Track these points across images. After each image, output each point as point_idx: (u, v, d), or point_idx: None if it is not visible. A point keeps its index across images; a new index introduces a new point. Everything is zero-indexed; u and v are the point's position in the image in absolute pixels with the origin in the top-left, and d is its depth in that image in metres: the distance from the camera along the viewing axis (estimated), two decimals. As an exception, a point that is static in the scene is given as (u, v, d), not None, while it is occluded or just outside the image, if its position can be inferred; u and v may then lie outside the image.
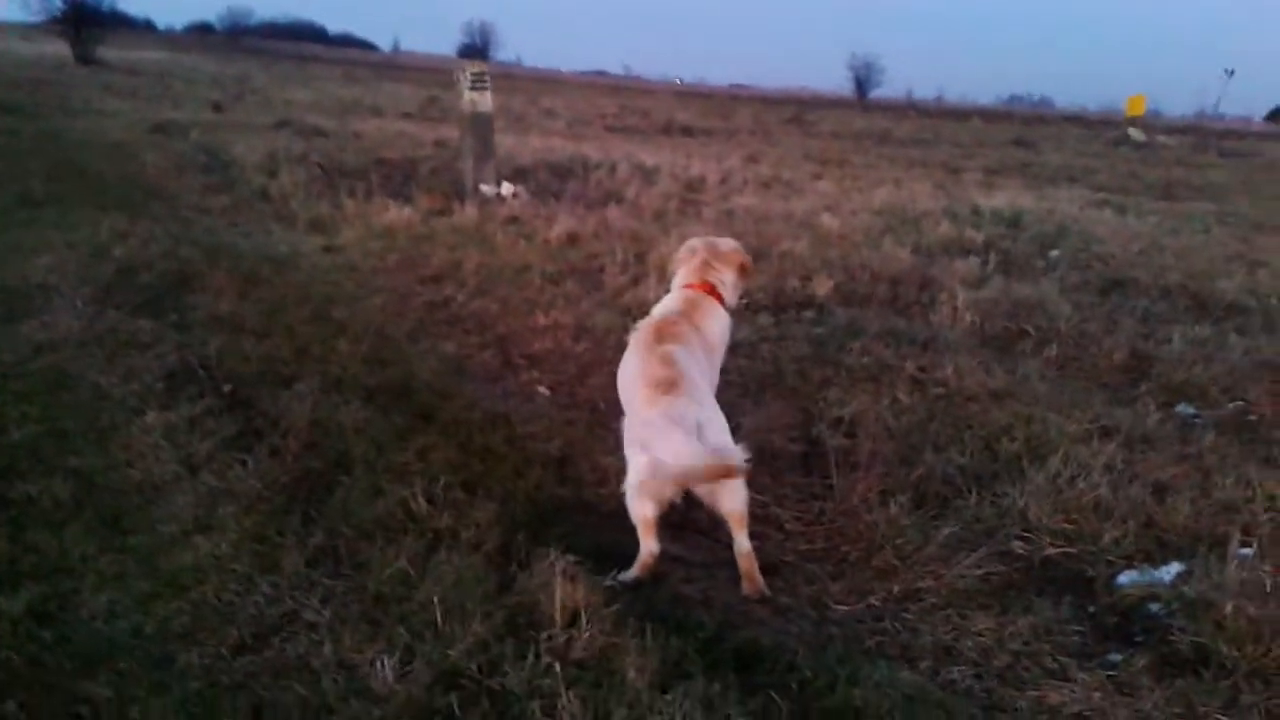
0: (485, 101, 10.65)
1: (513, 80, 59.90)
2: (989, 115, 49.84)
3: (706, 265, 4.04)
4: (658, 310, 3.95)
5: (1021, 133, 29.56)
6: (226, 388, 4.72)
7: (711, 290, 3.99)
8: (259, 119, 17.04)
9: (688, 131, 24.64)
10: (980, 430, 4.38)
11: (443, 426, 4.49)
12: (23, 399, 4.46)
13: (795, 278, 6.88)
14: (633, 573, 3.32)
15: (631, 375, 3.55)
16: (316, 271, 7.19)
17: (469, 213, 9.17)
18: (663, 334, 3.62)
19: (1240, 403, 4.94)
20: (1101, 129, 34.35)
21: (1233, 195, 15.27)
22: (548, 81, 66.78)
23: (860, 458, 4.05)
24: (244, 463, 3.95)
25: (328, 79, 39.59)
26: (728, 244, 4.19)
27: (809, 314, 6.16)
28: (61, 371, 4.79)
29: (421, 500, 3.61)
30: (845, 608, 3.27)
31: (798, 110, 38.04)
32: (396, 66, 67.62)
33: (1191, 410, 4.85)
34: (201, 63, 43.56)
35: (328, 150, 13.30)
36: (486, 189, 10.61)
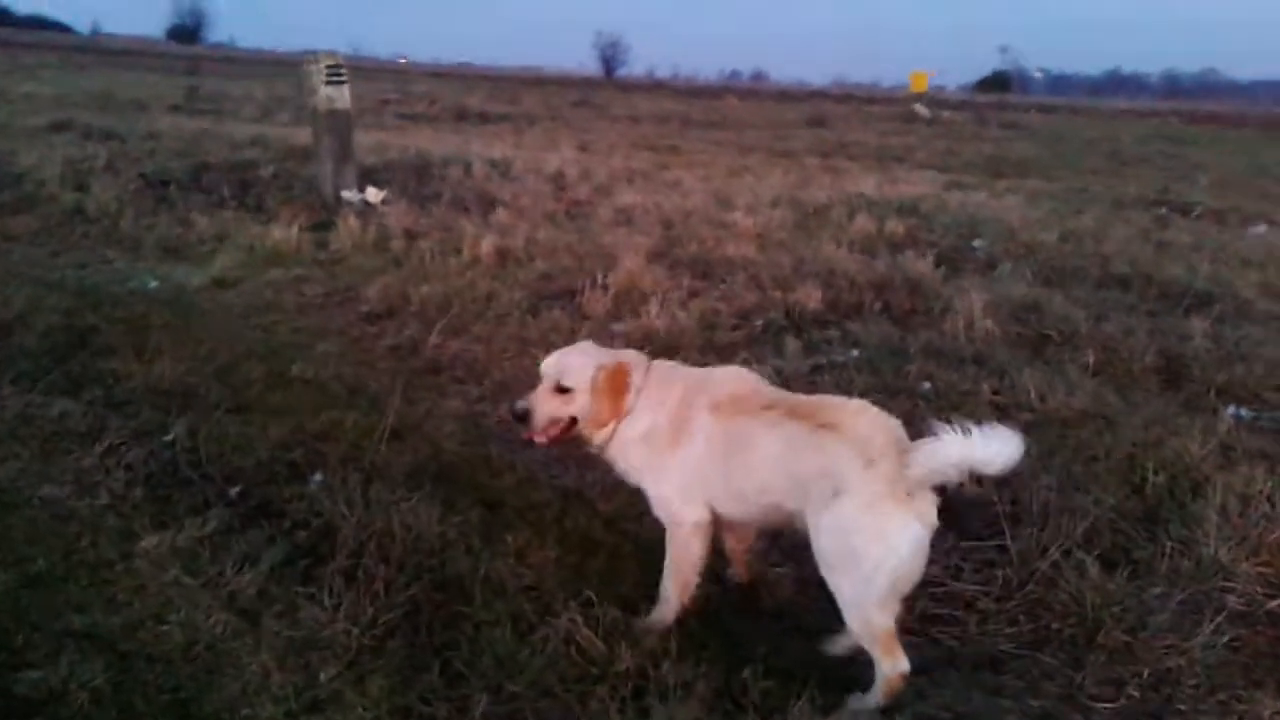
0: (343, 97, 9.47)
1: (245, 65, 55.88)
2: (744, 94, 51.48)
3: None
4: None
5: (808, 112, 30.45)
6: (233, 490, 3.71)
7: None
8: (21, 121, 14.57)
9: (484, 118, 23.58)
10: (1103, 460, 4.09)
11: (519, 514, 3.73)
12: (-43, 538, 3.29)
13: (772, 289, 6.43)
14: (876, 698, 2.76)
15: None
16: (228, 316, 6.01)
17: (351, 226, 8.06)
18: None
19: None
20: (884, 105, 36.11)
21: (1052, 170, 16.22)
22: (284, 64, 62.56)
23: (1004, 506, 3.67)
24: (312, 596, 3.05)
25: (48, 68, 35.13)
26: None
27: (831, 333, 5.73)
28: (-12, 488, 3.61)
29: (584, 629, 2.90)
30: (1107, 705, 2.85)
31: (583, 93, 37.51)
32: (120, 51, 61.32)
33: (1248, 412, 4.78)
34: None
35: (130, 155, 11.51)
36: (350, 196, 9.46)
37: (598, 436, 3.12)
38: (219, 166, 10.85)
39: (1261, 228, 10.19)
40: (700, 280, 6.77)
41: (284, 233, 7.61)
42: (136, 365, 4.68)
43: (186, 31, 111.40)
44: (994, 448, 2.49)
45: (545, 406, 3.09)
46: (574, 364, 3.11)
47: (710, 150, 17.59)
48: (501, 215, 9.13)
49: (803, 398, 3.06)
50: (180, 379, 4.57)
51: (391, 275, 6.69)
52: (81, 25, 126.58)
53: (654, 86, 62.06)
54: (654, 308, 5.92)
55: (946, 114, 29.04)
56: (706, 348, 5.51)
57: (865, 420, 2.78)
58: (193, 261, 7.49)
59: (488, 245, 7.25)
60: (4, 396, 4.30)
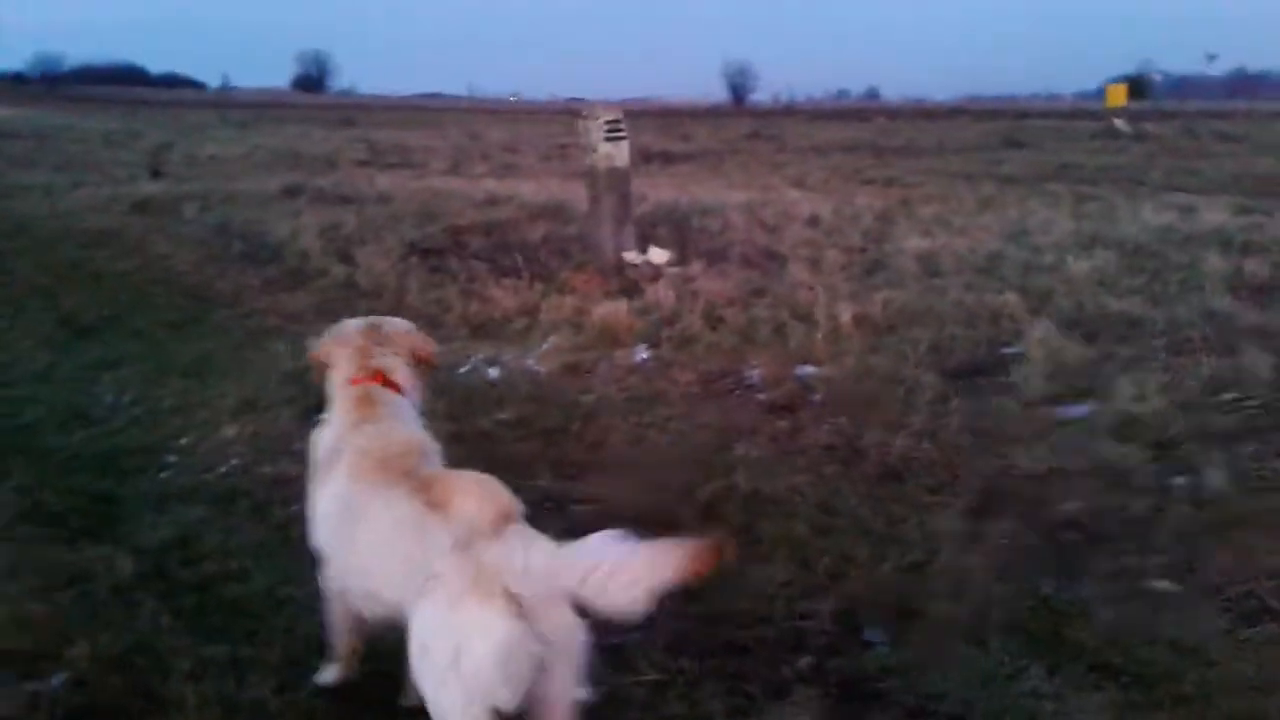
0: (622, 154, 8.89)
1: (392, 112, 57.32)
2: (892, 114, 50.02)
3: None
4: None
5: (999, 130, 28.98)
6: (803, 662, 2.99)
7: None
8: (247, 186, 14.66)
9: (668, 158, 23.06)
10: None
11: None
12: None
13: (1220, 354, 5.48)
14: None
15: None
16: (615, 413, 5.33)
17: (663, 294, 7.44)
18: None
19: None
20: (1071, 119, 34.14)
21: None
22: (424, 110, 64.16)
23: None
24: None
25: (215, 126, 36.60)
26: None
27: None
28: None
29: None
30: None
31: (753, 125, 36.83)
32: (271, 105, 64.08)
33: None
34: (50, 116, 39.87)
35: (374, 220, 11.23)
36: (632, 258, 8.86)
37: None
38: (470, 230, 10.45)
39: None
40: (1121, 344, 5.87)
41: (611, 306, 6.99)
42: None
43: (312, 81, 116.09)
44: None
45: None
46: None
47: (929, 179, 16.57)
48: (796, 270, 8.41)
49: None
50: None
51: (758, 353, 5.99)
52: (211, 79, 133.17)
53: (789, 111, 61.22)
54: (1110, 384, 5.05)
55: (1150, 127, 27.20)
56: (1202, 435, 4.58)
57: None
58: (508, 340, 6.93)
59: (846, 312, 6.48)
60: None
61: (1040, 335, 5.76)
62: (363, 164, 21.30)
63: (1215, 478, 4.07)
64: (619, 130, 8.90)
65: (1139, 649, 3.07)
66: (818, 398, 5.36)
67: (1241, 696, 2.83)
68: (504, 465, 3.13)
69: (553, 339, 6.66)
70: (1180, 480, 4.17)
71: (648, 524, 2.24)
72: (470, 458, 2.92)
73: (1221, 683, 2.89)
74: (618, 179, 8.93)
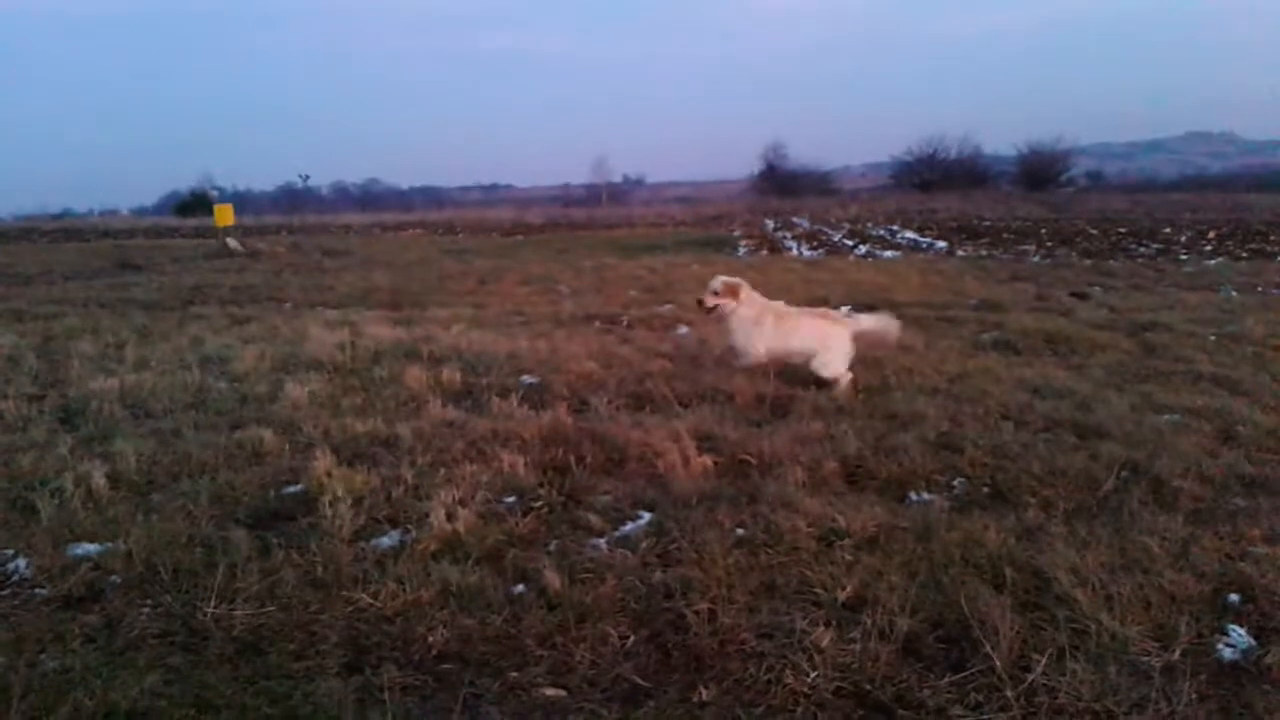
0: None
1: None
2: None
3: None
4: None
5: (113, 253, 26.67)
6: None
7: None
8: None
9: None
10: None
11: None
12: None
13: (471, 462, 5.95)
14: None
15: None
16: None
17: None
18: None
19: None
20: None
21: (422, 294, 16.54)
22: None
23: None
24: None
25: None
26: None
27: None
28: None
29: None
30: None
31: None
32: None
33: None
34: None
35: None
36: None
37: None
38: None
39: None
40: (392, 467, 5.92)
41: None
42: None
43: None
44: None
45: None
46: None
47: (64, 310, 14.70)
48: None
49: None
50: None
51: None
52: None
53: None
54: (414, 508, 5.10)
55: (263, 245, 28.18)
56: (515, 539, 4.91)
57: None
58: None
59: (96, 474, 5.31)
60: None
61: (323, 469, 5.53)
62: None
63: (552, 579, 4.36)
64: None
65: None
66: (117, 579, 4.34)
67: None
68: None
69: None
70: (522, 588, 4.39)
71: None
72: None
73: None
74: None
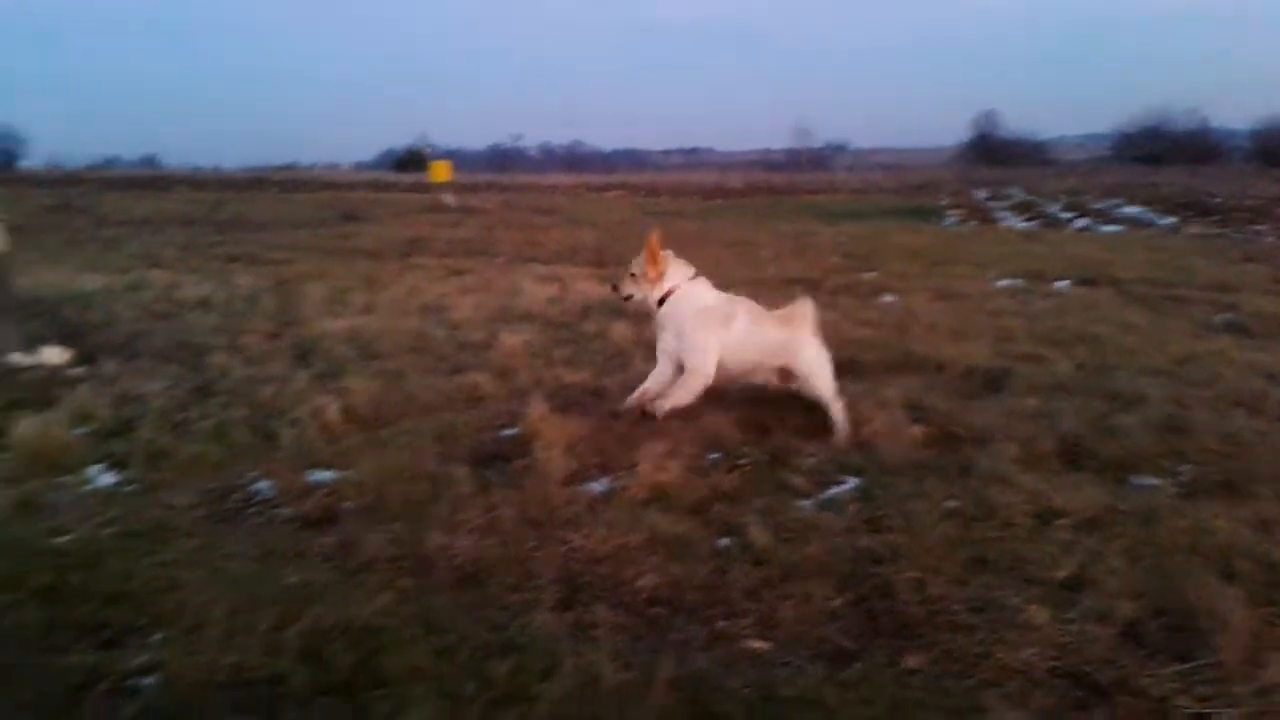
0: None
1: None
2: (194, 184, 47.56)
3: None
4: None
5: (333, 204, 28.87)
6: None
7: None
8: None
9: None
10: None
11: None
12: None
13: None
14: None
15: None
16: (142, 568, 4.09)
17: (93, 402, 6.04)
18: None
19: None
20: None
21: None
22: None
23: None
24: None
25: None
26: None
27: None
28: None
29: None
30: None
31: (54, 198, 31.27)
32: None
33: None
34: None
35: None
36: (20, 359, 7.06)
37: None
38: None
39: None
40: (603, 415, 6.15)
41: (31, 423, 5.44)
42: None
43: None
44: None
45: None
46: None
47: (295, 256, 15.95)
48: (224, 361, 7.45)
49: None
50: None
51: (250, 461, 5.07)
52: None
53: (71, 180, 54.63)
54: (626, 456, 5.29)
55: (476, 201, 29.56)
56: (721, 497, 5.00)
57: None
58: None
59: (331, 407, 5.80)
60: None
61: (537, 415, 5.80)
62: None
63: (759, 535, 4.43)
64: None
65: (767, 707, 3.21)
66: (350, 506, 4.74)
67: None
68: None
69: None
70: (728, 542, 4.47)
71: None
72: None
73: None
74: (-7, 267, 7.00)
